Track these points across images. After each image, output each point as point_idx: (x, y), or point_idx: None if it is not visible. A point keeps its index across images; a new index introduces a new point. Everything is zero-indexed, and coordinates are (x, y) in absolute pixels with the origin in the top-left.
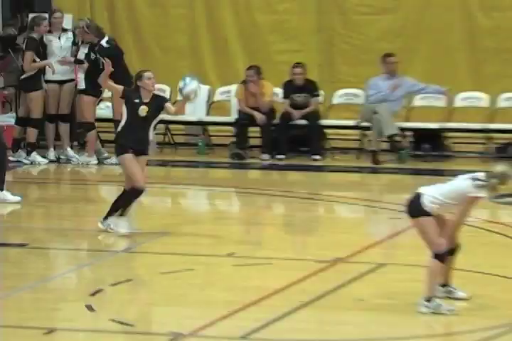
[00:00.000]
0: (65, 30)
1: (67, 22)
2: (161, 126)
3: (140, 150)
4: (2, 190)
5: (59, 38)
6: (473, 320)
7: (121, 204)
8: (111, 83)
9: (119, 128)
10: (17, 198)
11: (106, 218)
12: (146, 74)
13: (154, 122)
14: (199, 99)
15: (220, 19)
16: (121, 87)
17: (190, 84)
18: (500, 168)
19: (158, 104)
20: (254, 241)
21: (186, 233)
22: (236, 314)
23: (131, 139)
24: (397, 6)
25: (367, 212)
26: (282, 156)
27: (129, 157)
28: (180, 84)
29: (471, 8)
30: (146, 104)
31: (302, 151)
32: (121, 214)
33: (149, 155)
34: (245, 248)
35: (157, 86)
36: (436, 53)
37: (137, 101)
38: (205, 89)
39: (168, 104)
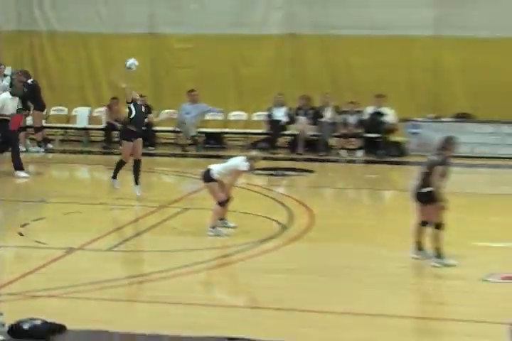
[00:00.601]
0: (5, 76)
1: (8, 70)
2: (61, 130)
3: (141, 133)
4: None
5: (1, 81)
6: (237, 239)
7: (116, 170)
8: (129, 91)
9: (130, 119)
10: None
11: (136, 184)
12: (137, 97)
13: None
14: (83, 114)
15: (96, 68)
16: (130, 96)
17: (129, 60)
18: (254, 153)
19: (145, 107)
20: (116, 195)
21: (78, 191)
22: (105, 236)
23: (138, 127)
24: (197, 63)
25: (180, 178)
26: None
27: (128, 143)
28: (125, 62)
29: (236, 63)
30: (141, 106)
31: (144, 145)
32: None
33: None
34: (111, 200)
35: (58, 107)
36: (218, 89)
37: (139, 103)
38: (86, 109)
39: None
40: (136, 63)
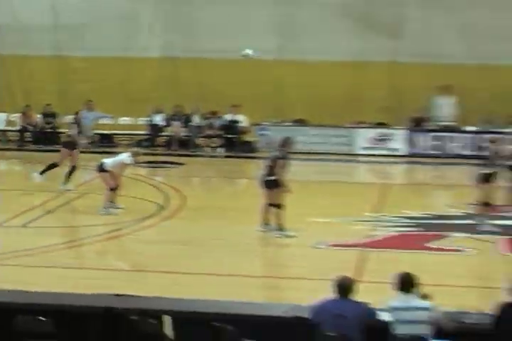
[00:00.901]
0: None
1: None
2: None
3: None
4: None
5: None
6: (124, 217)
7: (46, 169)
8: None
9: (76, 132)
10: None
11: (66, 182)
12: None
13: None
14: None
15: (13, 83)
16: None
17: (247, 50)
18: (136, 149)
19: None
20: (28, 183)
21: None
22: (19, 215)
23: (79, 140)
24: (94, 79)
25: (80, 170)
26: (42, 145)
27: (66, 151)
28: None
29: (125, 79)
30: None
31: (50, 144)
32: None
33: None
34: (24, 186)
35: None
36: (110, 100)
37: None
38: (4, 115)
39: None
40: (251, 53)
